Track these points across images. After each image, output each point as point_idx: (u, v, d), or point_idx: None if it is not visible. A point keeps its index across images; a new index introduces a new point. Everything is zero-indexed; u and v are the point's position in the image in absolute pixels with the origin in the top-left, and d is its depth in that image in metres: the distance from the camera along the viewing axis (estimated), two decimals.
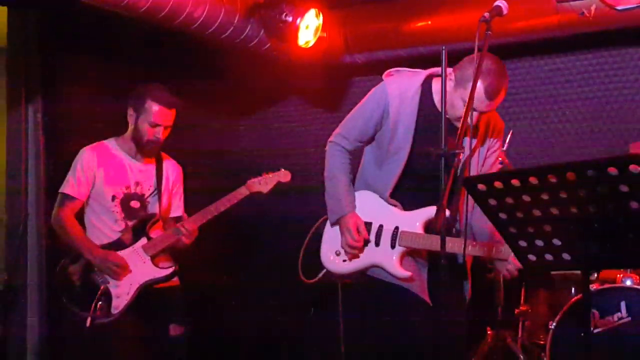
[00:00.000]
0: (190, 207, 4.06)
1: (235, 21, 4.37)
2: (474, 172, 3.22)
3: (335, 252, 3.33)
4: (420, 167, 3.18)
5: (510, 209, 2.32)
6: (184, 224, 3.82)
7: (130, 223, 3.83)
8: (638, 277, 3.69)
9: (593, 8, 4.16)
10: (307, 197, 5.33)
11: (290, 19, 4.38)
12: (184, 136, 4.15)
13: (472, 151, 3.24)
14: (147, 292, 3.74)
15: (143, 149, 3.84)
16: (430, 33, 4.66)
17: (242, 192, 3.96)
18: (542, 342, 3.84)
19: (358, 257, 3.29)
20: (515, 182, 2.26)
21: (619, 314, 3.51)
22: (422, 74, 3.28)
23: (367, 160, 3.40)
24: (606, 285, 3.63)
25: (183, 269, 3.89)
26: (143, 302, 3.73)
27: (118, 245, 3.78)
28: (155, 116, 3.76)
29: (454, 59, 3.17)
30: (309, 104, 5.64)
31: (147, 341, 3.78)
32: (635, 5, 4.07)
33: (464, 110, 2.99)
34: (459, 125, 3.07)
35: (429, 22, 4.72)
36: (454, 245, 3.02)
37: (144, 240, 3.80)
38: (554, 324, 3.64)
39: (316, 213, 5.38)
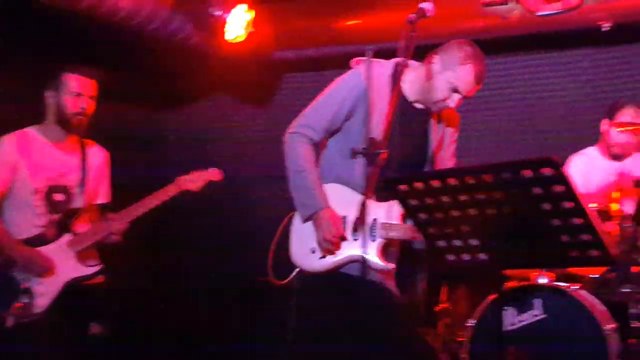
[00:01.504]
0: (116, 198, 4.00)
1: (162, 13, 4.32)
2: (439, 159, 3.28)
3: (311, 250, 3.16)
4: (397, 158, 3.10)
5: (430, 209, 2.37)
6: (114, 224, 3.72)
7: (53, 217, 3.70)
8: (553, 275, 3.81)
9: (515, 13, 4.29)
10: (235, 192, 5.33)
11: (218, 13, 4.35)
12: (113, 127, 4.07)
13: (440, 139, 3.27)
14: (68, 289, 3.63)
15: (70, 124, 3.71)
16: (360, 32, 4.71)
17: (172, 190, 3.85)
18: (461, 339, 3.92)
19: (334, 253, 3.13)
20: (435, 183, 2.31)
21: (535, 311, 3.60)
22: (390, 62, 3.23)
23: (334, 153, 3.24)
24: (522, 283, 3.73)
25: (108, 265, 3.81)
26: (64, 299, 3.61)
27: (40, 240, 3.63)
28: (76, 86, 3.67)
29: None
30: (238, 100, 5.61)
31: (66, 340, 3.66)
32: (554, 12, 4.23)
33: (444, 94, 3.08)
34: (434, 109, 3.17)
35: (360, 21, 4.76)
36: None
37: (69, 236, 3.68)
38: (472, 321, 3.71)
39: (245, 208, 5.42)
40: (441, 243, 2.44)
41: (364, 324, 3.09)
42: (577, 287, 3.69)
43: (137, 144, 5.29)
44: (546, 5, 4.36)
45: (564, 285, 3.66)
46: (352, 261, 3.13)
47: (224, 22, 4.40)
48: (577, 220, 2.17)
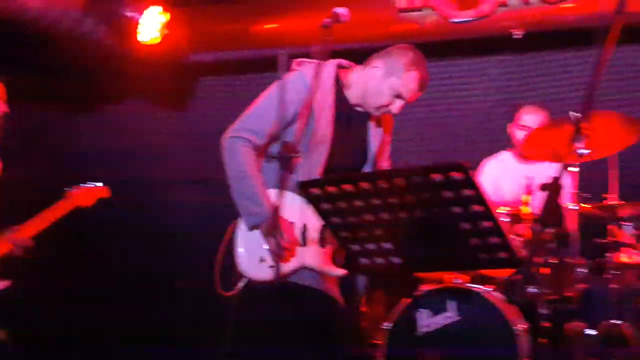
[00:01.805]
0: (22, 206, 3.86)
1: (73, 14, 4.20)
2: (380, 162, 3.27)
3: (259, 259, 3.00)
4: (340, 161, 3.10)
5: (343, 213, 2.37)
6: (16, 239, 3.62)
7: None
8: (467, 278, 3.87)
9: (430, 19, 4.36)
10: (152, 195, 5.23)
11: (131, 14, 4.25)
12: (20, 132, 3.93)
13: (381, 142, 3.25)
14: None
15: None
16: (277, 36, 4.70)
17: (66, 206, 3.81)
18: (377, 342, 3.94)
19: (288, 260, 2.99)
20: (347, 187, 2.31)
21: (449, 313, 3.65)
22: (331, 64, 3.16)
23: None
24: (436, 286, 3.77)
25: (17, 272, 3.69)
26: None
27: None
28: None
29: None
30: (153, 103, 5.50)
31: None
32: (467, 19, 4.33)
33: (387, 99, 3.06)
34: (375, 113, 3.15)
35: (277, 25, 4.75)
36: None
37: None
38: (388, 324, 3.74)
39: (162, 212, 5.32)
40: (355, 247, 2.45)
41: (309, 333, 3.05)
42: (490, 288, 3.76)
43: (46, 150, 5.14)
44: (460, 12, 4.47)
45: (477, 287, 3.72)
46: (302, 269, 3.04)
47: (137, 24, 4.31)
48: (486, 224, 2.20)
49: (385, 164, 3.35)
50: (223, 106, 5.21)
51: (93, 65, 4.82)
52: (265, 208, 2.96)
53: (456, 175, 2.13)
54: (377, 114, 3.17)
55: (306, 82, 3.02)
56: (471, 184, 2.14)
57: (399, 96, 3.08)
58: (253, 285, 3.03)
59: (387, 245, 2.40)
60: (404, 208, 2.28)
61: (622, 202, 3.78)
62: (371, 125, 3.23)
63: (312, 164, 3.06)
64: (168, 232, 5.27)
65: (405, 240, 2.35)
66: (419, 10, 4.53)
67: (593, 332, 3.62)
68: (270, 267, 2.96)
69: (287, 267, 3.00)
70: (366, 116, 3.21)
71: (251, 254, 3.02)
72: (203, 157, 5.07)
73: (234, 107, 5.11)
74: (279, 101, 2.99)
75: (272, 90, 3.11)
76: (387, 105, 3.10)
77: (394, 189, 2.25)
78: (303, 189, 2.39)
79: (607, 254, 3.75)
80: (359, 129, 3.21)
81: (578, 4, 4.46)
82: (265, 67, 4.80)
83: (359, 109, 3.18)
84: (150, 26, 4.42)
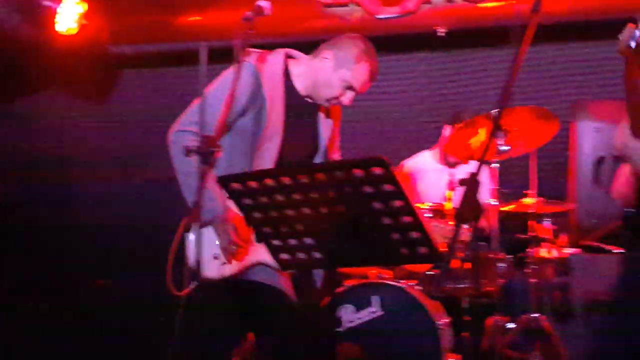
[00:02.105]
0: None
1: None
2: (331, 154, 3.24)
3: (213, 256, 2.93)
4: (292, 153, 3.04)
5: (265, 208, 2.33)
6: None
7: None
8: (392, 273, 3.89)
9: (356, 15, 4.37)
10: (69, 193, 5.08)
11: (48, 3, 4.10)
12: None
13: (332, 134, 3.21)
14: None
15: None
16: (198, 28, 4.63)
17: None
18: None
19: (242, 256, 2.93)
20: (269, 181, 2.27)
21: (372, 308, 3.66)
22: (279, 55, 3.10)
23: (227, 152, 2.90)
24: (361, 281, 3.79)
25: None
26: None
27: None
28: None
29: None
30: (72, 96, 5.34)
31: None
32: (392, 15, 4.35)
33: (339, 91, 3.01)
34: (326, 105, 3.10)
35: (200, 18, 4.68)
36: None
37: None
38: None
39: (77, 205, 5.18)
40: (276, 242, 2.41)
41: (263, 330, 3.02)
42: (414, 283, 3.79)
43: None
44: (385, 8, 4.49)
45: (400, 282, 3.75)
46: (256, 265, 2.96)
47: (54, 13, 4.16)
48: (407, 219, 2.20)
49: (336, 155, 3.32)
50: (144, 99, 5.11)
51: (7, 55, 4.64)
52: (217, 204, 2.89)
53: (377, 171, 2.12)
54: (327, 105, 3.14)
55: (256, 72, 2.97)
56: (392, 179, 2.14)
57: (349, 88, 3.04)
58: (206, 283, 2.90)
59: (309, 241, 2.38)
60: (325, 203, 2.26)
61: (541, 198, 3.88)
62: (321, 116, 3.20)
63: (265, 157, 3.01)
64: (88, 227, 5.13)
65: (327, 236, 2.34)
66: (345, 5, 4.54)
67: (513, 325, 3.70)
68: (224, 264, 2.93)
69: (241, 264, 2.95)
70: (316, 107, 3.17)
71: (204, 251, 2.82)
72: (124, 150, 4.98)
73: (155, 100, 5.03)
74: (226, 93, 2.82)
75: (219, 82, 2.99)
76: (337, 97, 3.06)
77: (315, 184, 2.22)
78: (223, 183, 2.34)
79: (528, 249, 3.84)
80: (309, 120, 3.17)
81: (499, 2, 4.55)
82: (187, 60, 4.72)
83: (308, 99, 3.13)
84: (68, 16, 4.28)
